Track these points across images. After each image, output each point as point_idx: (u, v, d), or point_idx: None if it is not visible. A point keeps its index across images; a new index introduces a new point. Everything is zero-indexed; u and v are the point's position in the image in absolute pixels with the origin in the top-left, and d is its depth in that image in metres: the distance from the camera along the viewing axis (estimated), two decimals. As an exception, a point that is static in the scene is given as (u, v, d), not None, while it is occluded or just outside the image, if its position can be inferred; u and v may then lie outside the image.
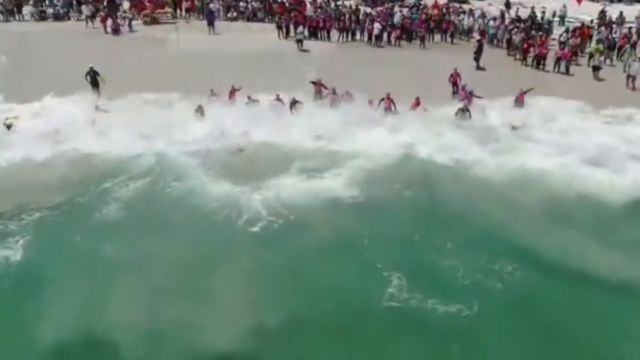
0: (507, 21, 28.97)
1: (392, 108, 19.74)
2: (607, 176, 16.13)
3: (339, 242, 13.37)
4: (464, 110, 19.51)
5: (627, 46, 25.36)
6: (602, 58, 24.21)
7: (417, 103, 20.03)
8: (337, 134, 18.23)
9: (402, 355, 10.55)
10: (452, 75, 21.82)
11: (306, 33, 28.61)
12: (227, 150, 17.66)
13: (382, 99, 19.73)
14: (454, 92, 21.36)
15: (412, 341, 10.71)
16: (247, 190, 15.31)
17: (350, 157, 17.12)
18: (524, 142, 18.24)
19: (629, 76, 22.60)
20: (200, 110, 19.42)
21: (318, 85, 20.76)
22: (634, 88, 22.45)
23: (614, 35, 26.40)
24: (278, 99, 19.85)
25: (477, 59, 24.91)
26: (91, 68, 21.09)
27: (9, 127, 18.28)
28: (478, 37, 27.13)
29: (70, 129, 18.45)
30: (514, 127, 18.97)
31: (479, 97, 20.41)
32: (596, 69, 23.74)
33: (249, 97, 19.97)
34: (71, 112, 19.58)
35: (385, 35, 28.25)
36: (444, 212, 14.64)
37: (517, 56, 26.11)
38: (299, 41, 27.12)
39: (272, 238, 13.61)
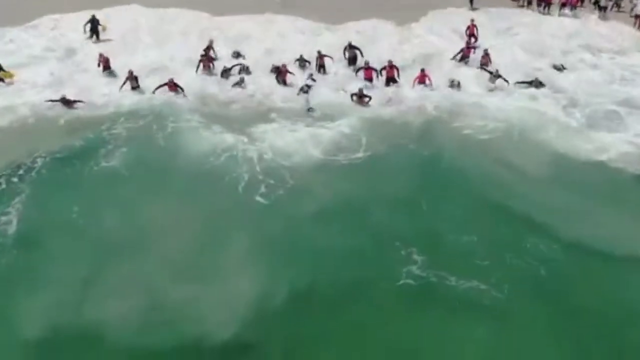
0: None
1: (396, 75, 18.19)
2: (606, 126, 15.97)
3: (340, 203, 12.65)
4: (496, 76, 17.96)
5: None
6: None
7: (423, 76, 18.02)
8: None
9: (414, 327, 9.77)
10: (468, 27, 21.09)
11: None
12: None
13: (384, 68, 18.25)
14: (469, 45, 20.13)
15: (424, 314, 10.01)
16: (243, 140, 15.05)
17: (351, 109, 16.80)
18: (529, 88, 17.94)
19: (636, 16, 21.97)
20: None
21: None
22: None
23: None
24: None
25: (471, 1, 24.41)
26: (93, 16, 21.12)
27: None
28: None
29: (69, 73, 18.58)
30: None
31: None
32: (602, 9, 23.03)
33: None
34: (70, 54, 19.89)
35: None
36: (447, 169, 14.08)
37: (521, 0, 25.41)
38: None
39: (270, 197, 12.92)
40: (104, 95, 17.38)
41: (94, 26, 21.04)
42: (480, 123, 16.19)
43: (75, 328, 9.25)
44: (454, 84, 17.83)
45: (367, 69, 18.19)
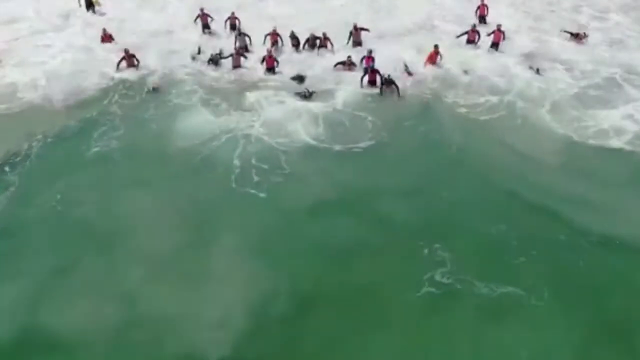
0: None
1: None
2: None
3: (344, 192, 11.81)
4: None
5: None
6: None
7: (437, 54, 16.63)
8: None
9: (434, 334, 8.84)
10: (479, 8, 19.76)
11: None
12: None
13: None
14: (474, 28, 18.19)
15: (444, 320, 9.02)
16: (237, 118, 14.61)
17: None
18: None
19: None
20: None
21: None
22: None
23: None
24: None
25: None
26: None
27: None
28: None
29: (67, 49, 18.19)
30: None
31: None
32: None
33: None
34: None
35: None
36: (458, 153, 13.13)
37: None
38: None
39: (267, 184, 12.09)
40: (102, 74, 16.91)
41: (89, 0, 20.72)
42: (484, 100, 15.41)
43: (47, 329, 8.84)
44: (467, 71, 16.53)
45: (369, 57, 16.57)
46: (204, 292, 9.55)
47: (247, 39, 17.98)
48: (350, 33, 17.93)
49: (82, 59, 17.59)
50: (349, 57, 16.64)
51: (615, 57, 17.05)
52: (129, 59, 16.85)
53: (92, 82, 16.57)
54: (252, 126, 14.26)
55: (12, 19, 19.96)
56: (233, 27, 18.98)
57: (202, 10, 18.97)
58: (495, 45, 17.77)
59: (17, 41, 18.37)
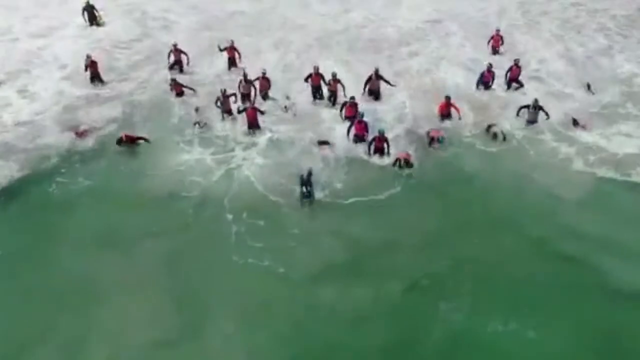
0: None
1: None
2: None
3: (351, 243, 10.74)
4: (535, 108, 14.35)
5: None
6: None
7: (448, 106, 14.51)
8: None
9: None
10: (492, 38, 18.50)
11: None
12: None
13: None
14: (490, 68, 16.04)
15: None
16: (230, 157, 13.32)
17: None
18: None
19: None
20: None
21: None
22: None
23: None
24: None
25: None
26: (87, 2, 19.80)
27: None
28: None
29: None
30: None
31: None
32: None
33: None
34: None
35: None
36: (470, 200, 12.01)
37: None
38: None
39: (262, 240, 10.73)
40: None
41: (91, 12, 19.75)
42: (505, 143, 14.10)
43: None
44: (497, 134, 14.11)
45: (360, 123, 13.77)
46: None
47: (252, 88, 15.31)
48: (369, 79, 15.51)
49: (70, 94, 15.96)
50: (352, 97, 14.41)
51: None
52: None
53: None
54: (247, 170, 12.74)
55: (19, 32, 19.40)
56: (232, 62, 17.08)
57: (174, 46, 17.05)
58: (512, 81, 16.32)
59: (22, 58, 17.51)
